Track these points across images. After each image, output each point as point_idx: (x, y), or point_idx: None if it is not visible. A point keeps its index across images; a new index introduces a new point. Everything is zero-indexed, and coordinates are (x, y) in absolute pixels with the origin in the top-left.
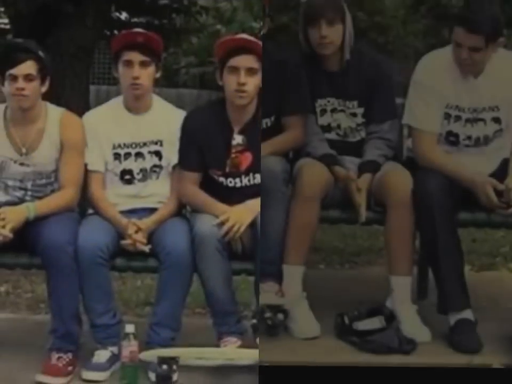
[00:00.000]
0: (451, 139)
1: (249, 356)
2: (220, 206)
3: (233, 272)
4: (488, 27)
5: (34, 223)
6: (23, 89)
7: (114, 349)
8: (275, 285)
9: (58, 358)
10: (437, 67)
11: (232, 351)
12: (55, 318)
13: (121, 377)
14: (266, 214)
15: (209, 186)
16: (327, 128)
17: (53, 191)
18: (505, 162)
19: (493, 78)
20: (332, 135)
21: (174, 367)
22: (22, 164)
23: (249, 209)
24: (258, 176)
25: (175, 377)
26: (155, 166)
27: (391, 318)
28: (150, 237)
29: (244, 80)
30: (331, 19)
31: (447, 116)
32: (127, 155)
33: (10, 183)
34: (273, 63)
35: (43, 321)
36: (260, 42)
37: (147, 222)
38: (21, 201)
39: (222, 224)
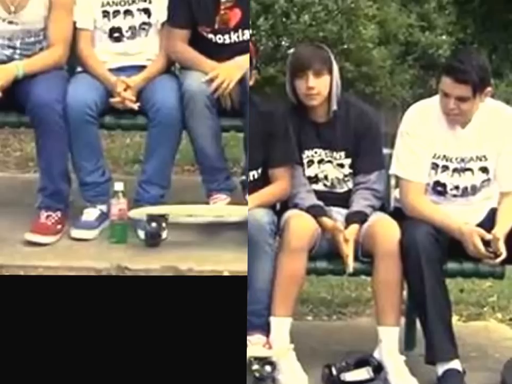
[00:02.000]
0: (438, 189)
1: (238, 213)
2: (209, 63)
3: (223, 129)
4: (476, 77)
5: (23, 82)
6: None
7: (103, 207)
8: (262, 337)
9: (47, 216)
10: (424, 117)
11: (221, 208)
12: (44, 176)
13: (110, 235)
14: (253, 266)
15: (199, 43)
16: (314, 179)
17: (41, 50)
18: (492, 212)
19: (480, 128)
20: (319, 186)
21: (163, 224)
22: (10, 22)
23: (239, 66)
24: (247, 33)
25: (164, 234)
26: (144, 23)
27: (378, 368)
28: (139, 95)
29: None
30: (318, 70)
31: (435, 166)
32: (116, 12)
33: None
34: (260, 115)
35: (32, 179)
36: None
37: (136, 80)
38: (10, 59)
39: (211, 80)
